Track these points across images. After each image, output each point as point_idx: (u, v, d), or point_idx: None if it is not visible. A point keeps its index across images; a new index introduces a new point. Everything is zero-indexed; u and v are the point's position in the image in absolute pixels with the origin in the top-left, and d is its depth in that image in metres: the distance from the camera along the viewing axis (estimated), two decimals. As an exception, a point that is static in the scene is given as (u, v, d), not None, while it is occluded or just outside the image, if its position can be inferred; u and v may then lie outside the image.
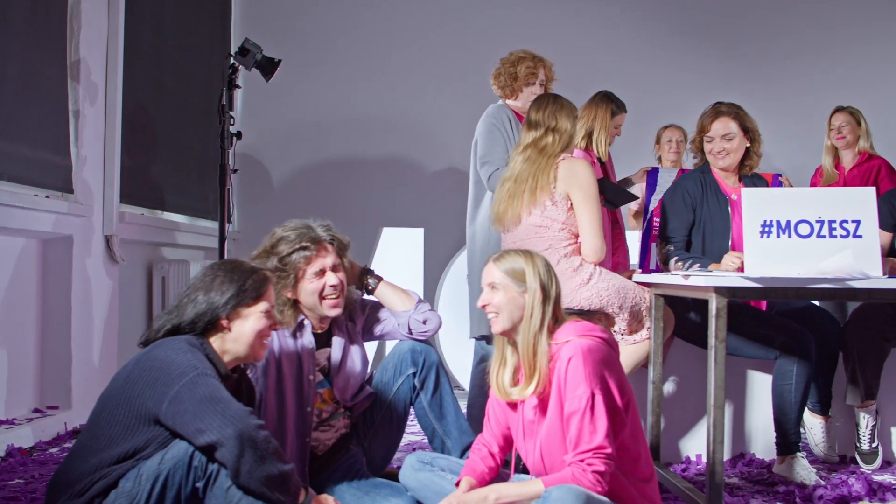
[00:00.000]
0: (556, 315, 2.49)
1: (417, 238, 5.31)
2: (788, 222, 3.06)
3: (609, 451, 2.33)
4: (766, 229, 3.06)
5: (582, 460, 2.33)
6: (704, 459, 3.69)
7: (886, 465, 3.68)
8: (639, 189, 4.51)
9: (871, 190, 3.10)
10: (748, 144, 3.60)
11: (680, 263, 3.49)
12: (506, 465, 2.66)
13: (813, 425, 3.72)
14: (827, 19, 6.54)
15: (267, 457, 2.22)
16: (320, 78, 6.64)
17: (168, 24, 5.47)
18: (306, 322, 2.84)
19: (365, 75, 6.65)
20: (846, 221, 3.04)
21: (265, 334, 2.46)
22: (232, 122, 3.97)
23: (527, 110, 3.84)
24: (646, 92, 6.13)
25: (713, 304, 2.73)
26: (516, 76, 3.89)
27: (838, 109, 4.76)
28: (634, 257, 4.38)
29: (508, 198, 3.28)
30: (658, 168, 4.53)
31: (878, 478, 3.48)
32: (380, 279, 3.06)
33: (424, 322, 2.98)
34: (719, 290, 2.72)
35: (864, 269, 2.83)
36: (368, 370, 3.04)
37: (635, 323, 3.33)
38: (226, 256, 4.25)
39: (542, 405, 2.47)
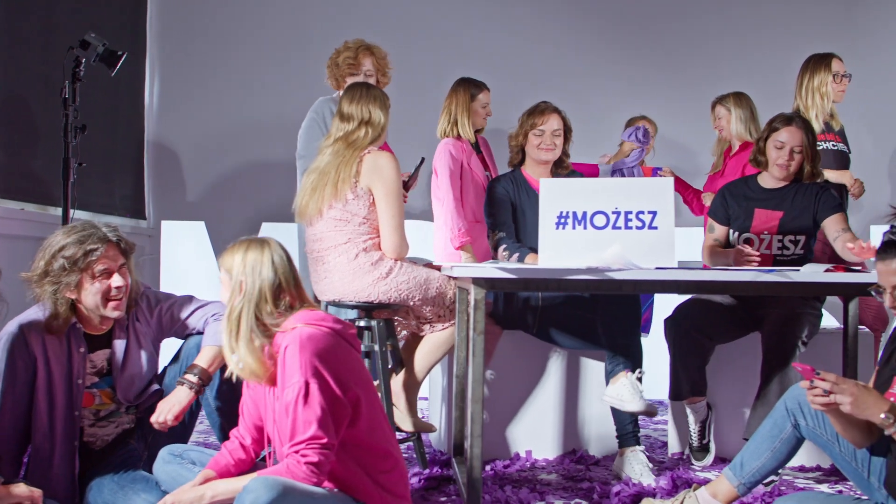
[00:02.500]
0: (292, 303, 2.45)
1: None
2: (585, 214, 3.03)
3: (325, 441, 2.30)
4: (562, 221, 3.04)
5: (297, 451, 2.30)
6: (535, 456, 3.67)
7: (721, 461, 3.62)
8: None
9: (669, 181, 3.07)
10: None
11: (506, 253, 3.48)
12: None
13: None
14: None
15: None
16: (243, 76, 6.60)
17: (67, 20, 5.47)
18: (78, 326, 2.82)
19: (285, 71, 6.62)
20: (642, 213, 3.01)
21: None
22: (76, 115, 3.97)
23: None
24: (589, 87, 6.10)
25: (472, 296, 2.69)
26: (338, 65, 3.89)
27: (717, 101, 4.69)
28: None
29: (311, 191, 3.25)
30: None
31: (704, 475, 3.44)
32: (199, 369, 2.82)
33: None
34: (478, 282, 2.69)
35: (634, 261, 2.78)
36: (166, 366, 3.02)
37: (445, 313, 3.30)
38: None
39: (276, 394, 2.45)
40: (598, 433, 3.67)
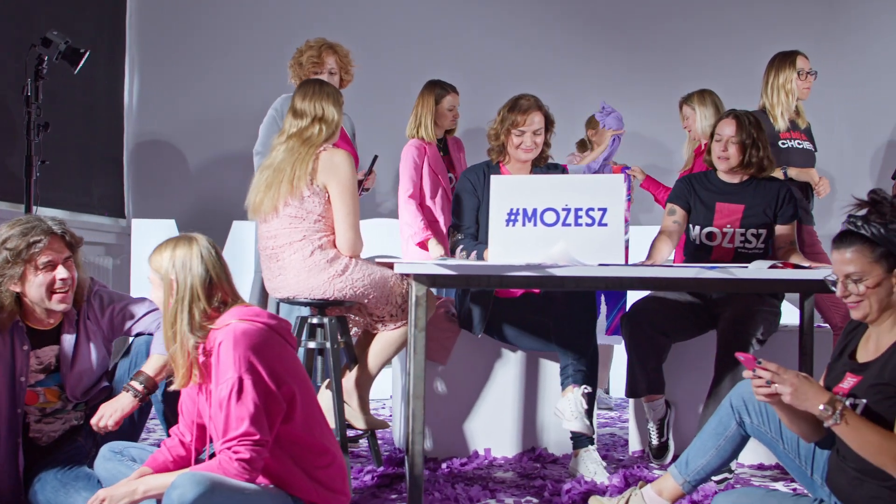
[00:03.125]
0: (222, 298, 2.45)
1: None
2: (535, 210, 3.02)
3: (257, 437, 2.29)
4: (513, 217, 3.03)
5: (229, 448, 2.30)
6: (495, 454, 3.66)
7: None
8: None
9: (620, 178, 3.05)
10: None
11: (464, 253, 3.47)
12: None
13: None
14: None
15: None
16: (223, 71, 6.60)
17: (45, 17, 5.47)
18: (21, 324, 2.82)
19: (265, 69, 6.61)
20: (592, 209, 3.00)
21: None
22: (38, 113, 3.96)
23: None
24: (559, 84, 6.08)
25: (413, 292, 2.68)
26: (302, 64, 3.89)
27: (682, 101, 4.66)
28: None
29: (266, 187, 3.23)
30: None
31: (661, 472, 3.41)
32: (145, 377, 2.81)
33: None
34: (419, 278, 2.68)
35: (578, 257, 2.77)
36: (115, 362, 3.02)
37: (398, 312, 3.29)
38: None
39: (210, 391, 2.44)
40: (558, 431, 3.65)
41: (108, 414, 2.70)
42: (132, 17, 6.56)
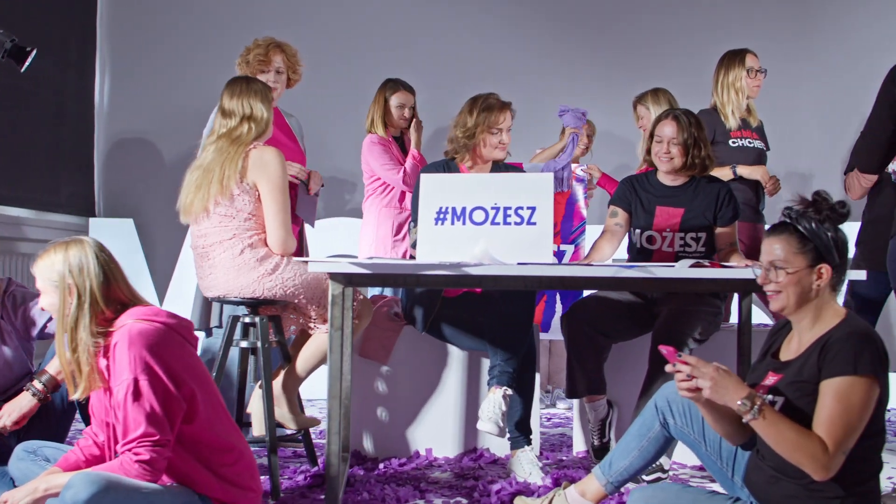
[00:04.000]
0: (120, 299, 2.43)
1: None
2: (464, 209, 2.99)
3: (157, 437, 2.28)
4: (442, 216, 3.01)
5: (129, 450, 2.29)
6: (436, 454, 3.64)
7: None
8: None
9: (549, 177, 3.02)
10: None
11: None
12: None
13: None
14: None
15: None
16: (194, 73, 6.59)
17: (16, 17, 5.46)
18: None
19: (236, 71, 6.60)
20: (521, 208, 2.98)
21: None
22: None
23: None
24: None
25: (330, 291, 2.66)
26: (249, 63, 3.88)
27: (636, 101, 4.63)
28: None
29: (196, 188, 3.20)
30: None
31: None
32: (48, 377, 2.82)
33: None
34: (335, 277, 2.66)
35: (496, 256, 2.75)
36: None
37: (325, 312, 3.27)
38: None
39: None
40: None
41: (7, 413, 2.69)
42: (103, 18, 6.56)
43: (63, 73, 6.00)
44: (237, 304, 3.21)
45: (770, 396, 2.24)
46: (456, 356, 3.68)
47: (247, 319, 3.23)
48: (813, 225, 2.23)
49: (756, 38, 5.85)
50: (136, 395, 2.28)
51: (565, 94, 5.84)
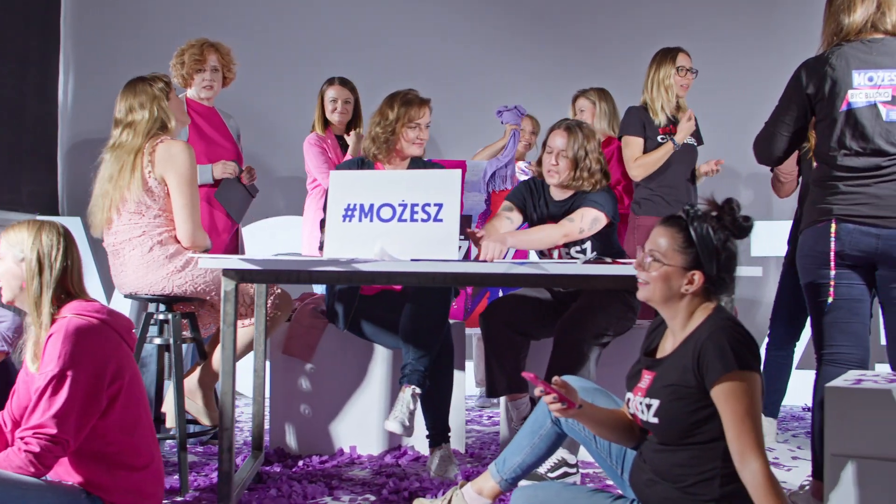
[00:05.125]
0: (68, 290, 2.43)
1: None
2: (372, 206, 2.99)
3: (54, 433, 2.25)
4: (349, 213, 3.01)
5: (22, 438, 2.28)
6: (360, 452, 3.64)
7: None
8: None
9: (457, 173, 3.01)
10: None
11: None
12: None
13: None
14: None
15: None
16: (158, 68, 6.58)
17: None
18: None
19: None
20: (429, 205, 2.97)
21: None
22: None
23: (199, 98, 3.84)
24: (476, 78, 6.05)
25: (223, 288, 2.66)
26: (184, 63, 3.90)
27: (579, 94, 4.63)
28: None
29: (101, 199, 3.20)
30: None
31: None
32: None
33: None
34: (227, 273, 2.66)
35: (392, 253, 2.75)
36: None
37: (247, 310, 3.28)
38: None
39: None
40: (423, 430, 3.62)
41: None
42: (67, 17, 6.57)
43: (25, 71, 6.01)
44: (148, 301, 3.21)
45: (647, 399, 2.22)
46: (380, 354, 3.68)
47: (161, 316, 3.24)
48: (705, 230, 2.18)
49: (718, 39, 5.85)
50: (56, 389, 2.27)
51: (521, 92, 5.84)
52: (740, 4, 6.09)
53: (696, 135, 4.18)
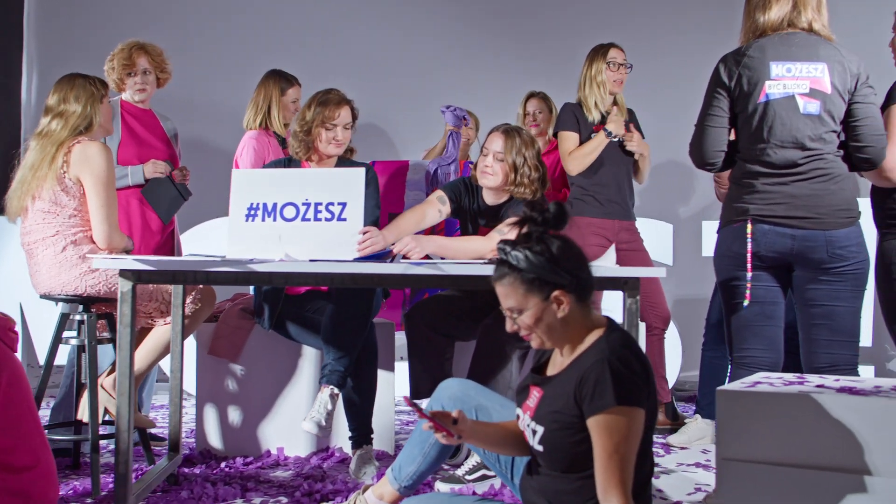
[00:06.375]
0: None
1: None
2: (275, 205, 2.96)
3: None
4: (252, 212, 2.98)
5: None
6: (288, 453, 3.62)
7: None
8: None
9: (360, 171, 2.98)
10: None
11: None
12: None
13: None
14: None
15: None
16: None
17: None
18: None
19: (174, 61, 6.57)
20: (332, 204, 2.94)
21: None
22: None
23: (133, 100, 3.83)
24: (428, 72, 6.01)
25: (119, 288, 2.64)
26: (115, 68, 3.89)
27: (532, 95, 4.59)
28: None
29: (20, 186, 3.20)
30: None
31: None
32: None
33: None
34: (123, 274, 2.63)
35: (294, 253, 2.73)
36: None
37: (164, 307, 3.26)
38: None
39: None
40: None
41: None
42: (30, 15, 6.56)
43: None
44: (63, 301, 3.19)
45: (533, 424, 2.15)
46: (308, 354, 3.65)
47: (77, 317, 3.22)
48: (524, 255, 2.03)
49: (683, 32, 5.80)
50: None
51: (482, 89, 5.80)
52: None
53: (636, 128, 4.14)
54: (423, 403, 2.63)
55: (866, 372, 4.78)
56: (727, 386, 2.33)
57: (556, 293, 2.05)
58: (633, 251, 4.01)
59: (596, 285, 2.13)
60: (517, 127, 3.43)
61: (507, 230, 3.28)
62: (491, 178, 3.36)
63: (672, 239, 5.15)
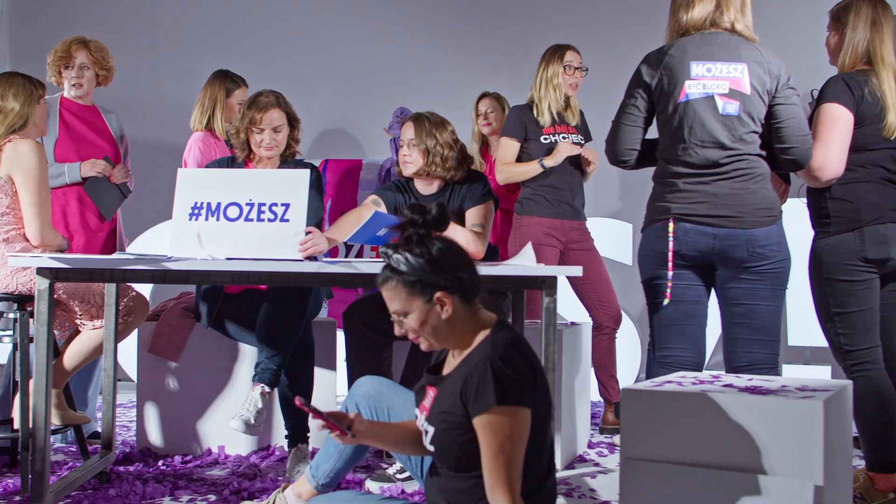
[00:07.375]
0: None
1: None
2: (219, 204, 2.96)
3: None
4: (196, 211, 2.97)
5: None
6: (229, 452, 3.62)
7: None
8: None
9: (305, 173, 2.97)
10: (289, 132, 3.50)
11: None
12: None
13: None
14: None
15: None
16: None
17: None
18: None
19: (137, 72, 6.59)
20: (276, 205, 2.94)
21: None
22: None
23: (71, 96, 3.82)
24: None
25: (36, 287, 2.64)
26: (51, 63, 3.87)
27: (484, 95, 4.56)
28: None
29: None
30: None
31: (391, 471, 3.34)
32: None
33: None
34: (41, 272, 2.63)
35: (236, 252, 2.73)
36: None
37: (95, 310, 3.25)
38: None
39: None
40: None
41: None
42: (5, 15, 6.59)
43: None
44: (-1, 299, 3.19)
45: (426, 424, 2.14)
46: (249, 353, 3.65)
47: (11, 315, 3.22)
48: (406, 259, 2.04)
49: (642, 33, 5.73)
50: None
51: (450, 88, 5.77)
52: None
53: (585, 131, 4.12)
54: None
55: (823, 373, 4.74)
56: (632, 385, 2.32)
57: (438, 294, 2.04)
58: (583, 251, 3.99)
59: (482, 286, 2.12)
60: (426, 113, 3.44)
61: (485, 225, 3.37)
62: (410, 165, 3.39)
63: (632, 239, 5.13)
